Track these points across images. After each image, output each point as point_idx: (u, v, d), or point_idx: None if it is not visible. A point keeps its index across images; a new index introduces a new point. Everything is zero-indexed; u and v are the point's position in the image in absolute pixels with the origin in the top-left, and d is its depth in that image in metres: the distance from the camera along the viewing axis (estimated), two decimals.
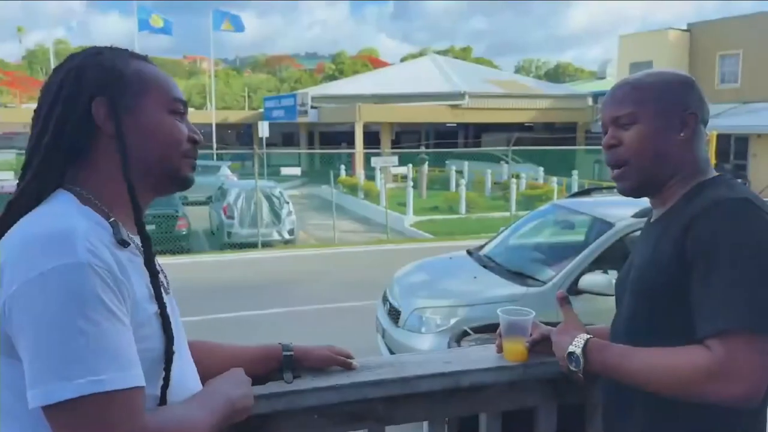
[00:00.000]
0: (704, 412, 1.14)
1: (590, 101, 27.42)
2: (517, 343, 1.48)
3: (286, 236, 12.68)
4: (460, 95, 24.35)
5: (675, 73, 1.33)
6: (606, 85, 31.05)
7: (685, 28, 24.54)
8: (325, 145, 30.39)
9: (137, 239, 1.03)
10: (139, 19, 22.16)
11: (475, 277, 4.79)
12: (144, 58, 1.11)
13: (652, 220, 1.37)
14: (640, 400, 1.25)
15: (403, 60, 62.20)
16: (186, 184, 1.11)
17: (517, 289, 4.46)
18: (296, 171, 16.60)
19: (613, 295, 4.37)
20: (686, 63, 23.92)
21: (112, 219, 0.98)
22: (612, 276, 4.27)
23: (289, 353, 1.36)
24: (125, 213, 1.02)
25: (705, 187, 1.24)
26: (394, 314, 4.77)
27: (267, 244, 12.29)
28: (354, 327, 6.31)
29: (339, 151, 23.51)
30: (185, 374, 1.06)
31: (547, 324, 1.51)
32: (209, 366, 1.19)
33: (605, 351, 1.24)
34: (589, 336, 1.27)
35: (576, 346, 1.26)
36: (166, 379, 0.99)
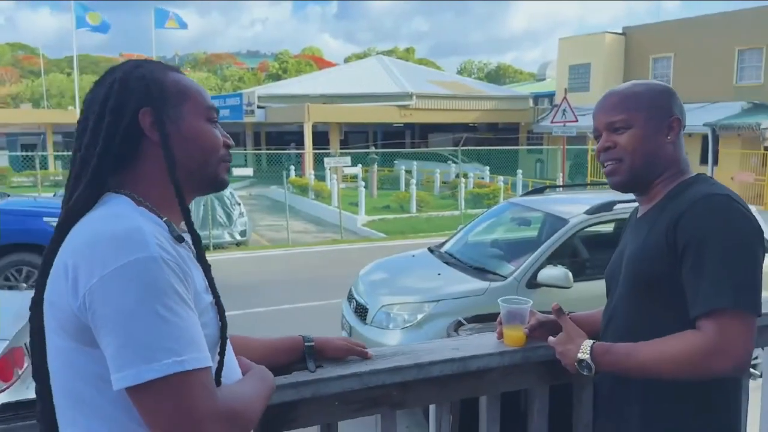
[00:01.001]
0: (697, 385, 1.30)
1: (531, 102, 28.17)
2: (516, 329, 1.61)
3: (238, 238, 12.55)
4: (408, 96, 24.62)
5: (657, 83, 1.49)
6: (545, 86, 31.96)
7: (620, 31, 25.54)
8: (272, 145, 30.14)
9: (186, 236, 1.11)
10: (77, 17, 21.45)
11: (439, 274, 4.94)
12: (177, 70, 1.18)
13: (638, 215, 1.53)
14: (636, 378, 1.41)
15: (347, 60, 62.21)
16: (223, 186, 1.19)
17: (480, 284, 4.63)
18: (248, 171, 16.42)
19: (568, 288, 4.56)
20: (622, 65, 24.93)
21: (165, 218, 1.06)
22: (565, 270, 4.50)
23: (310, 344, 1.46)
24: (170, 214, 1.09)
25: (689, 185, 1.41)
26: (361, 312, 4.87)
27: (219, 246, 12.14)
28: (317, 326, 6.36)
29: (289, 151, 23.36)
30: (231, 359, 1.15)
31: (543, 312, 1.66)
32: (243, 355, 1.27)
33: (611, 353, 1.35)
34: (592, 341, 1.39)
35: (584, 353, 1.37)
36: (220, 363, 1.07)
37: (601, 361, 1.36)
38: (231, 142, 1.20)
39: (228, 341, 1.17)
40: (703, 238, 1.27)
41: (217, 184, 1.17)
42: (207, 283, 1.08)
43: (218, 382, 1.06)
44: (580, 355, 1.38)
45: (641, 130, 1.41)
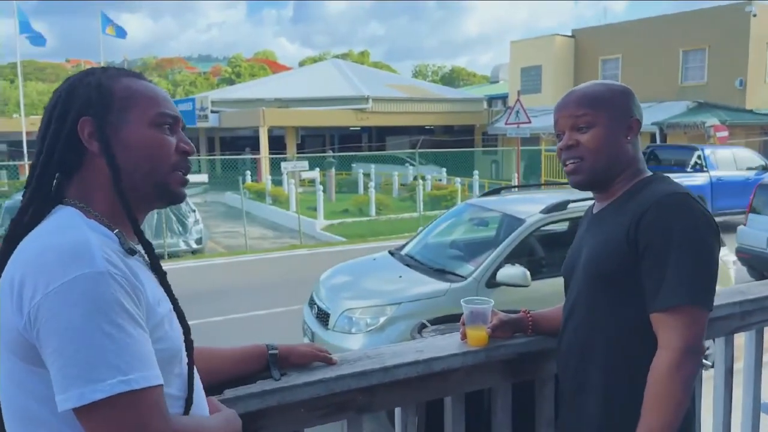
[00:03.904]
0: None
1: (485, 105, 28.54)
2: (479, 329, 1.63)
3: (194, 246, 12.32)
4: (364, 99, 24.62)
5: (617, 83, 1.52)
6: (498, 88, 32.47)
7: (569, 34, 26.12)
8: (226, 150, 29.71)
9: (138, 246, 1.08)
10: (20, 21, 20.80)
11: (400, 276, 4.96)
12: (137, 75, 1.13)
13: (594, 212, 1.56)
14: (596, 367, 1.44)
15: (301, 64, 61.87)
16: (176, 197, 1.12)
17: (441, 285, 4.67)
18: (203, 178, 16.12)
19: (526, 286, 4.64)
20: (572, 67, 25.50)
21: (116, 230, 1.03)
22: (523, 269, 4.57)
23: (274, 352, 1.44)
24: (122, 225, 1.05)
25: (647, 183, 1.45)
26: (323, 317, 4.84)
27: (174, 255, 11.88)
28: (278, 333, 6.30)
29: (245, 157, 23.05)
30: (194, 372, 1.12)
31: (505, 311, 1.68)
32: (202, 369, 1.24)
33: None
34: None
35: None
36: (190, 370, 1.05)
37: None
38: (188, 148, 1.13)
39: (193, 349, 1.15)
40: (664, 236, 1.32)
41: (168, 195, 1.11)
42: (163, 291, 1.06)
43: (190, 389, 1.05)
44: None
45: (603, 130, 1.44)
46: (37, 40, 21.86)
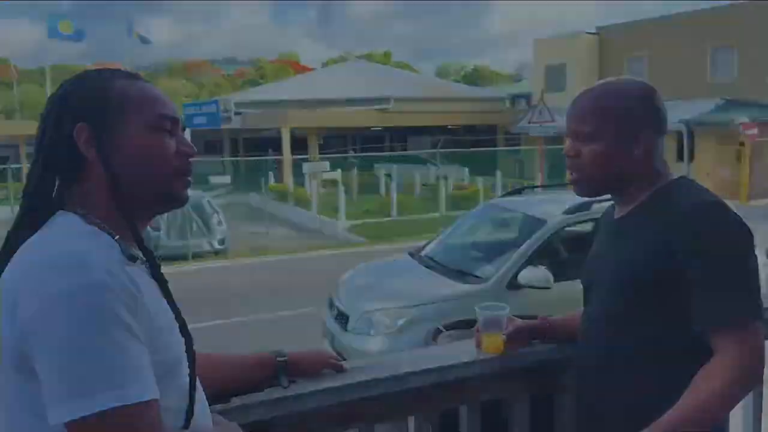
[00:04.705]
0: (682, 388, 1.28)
1: (509, 104, 28.33)
2: (494, 337, 1.57)
3: (217, 246, 12.43)
4: (386, 99, 24.61)
5: (633, 88, 1.42)
6: (523, 87, 32.20)
7: (594, 31, 25.81)
8: (249, 151, 29.92)
9: (139, 253, 1.05)
10: (49, 26, 21.14)
11: (420, 278, 4.91)
12: (134, 77, 1.10)
13: (616, 217, 1.49)
14: (620, 381, 1.38)
15: (324, 65, 62.08)
16: (179, 201, 1.09)
17: (460, 287, 4.61)
18: (226, 179, 16.30)
19: (548, 288, 4.54)
20: (597, 65, 25.19)
21: (117, 237, 1.00)
22: (545, 271, 4.49)
23: (283, 359, 1.40)
24: (124, 231, 1.02)
25: (673, 188, 1.38)
26: (342, 319, 4.82)
27: (198, 256, 12.00)
28: (298, 335, 6.30)
29: (267, 158, 23.19)
30: (195, 383, 1.09)
31: (521, 317, 1.63)
32: (208, 377, 1.21)
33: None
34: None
35: None
36: (192, 380, 1.02)
37: None
38: (190, 150, 1.09)
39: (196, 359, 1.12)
40: (706, 250, 1.27)
41: (169, 199, 1.08)
42: (166, 300, 1.03)
43: (191, 401, 1.01)
44: None
45: (605, 147, 1.38)
46: (78, 35, 22.16)
